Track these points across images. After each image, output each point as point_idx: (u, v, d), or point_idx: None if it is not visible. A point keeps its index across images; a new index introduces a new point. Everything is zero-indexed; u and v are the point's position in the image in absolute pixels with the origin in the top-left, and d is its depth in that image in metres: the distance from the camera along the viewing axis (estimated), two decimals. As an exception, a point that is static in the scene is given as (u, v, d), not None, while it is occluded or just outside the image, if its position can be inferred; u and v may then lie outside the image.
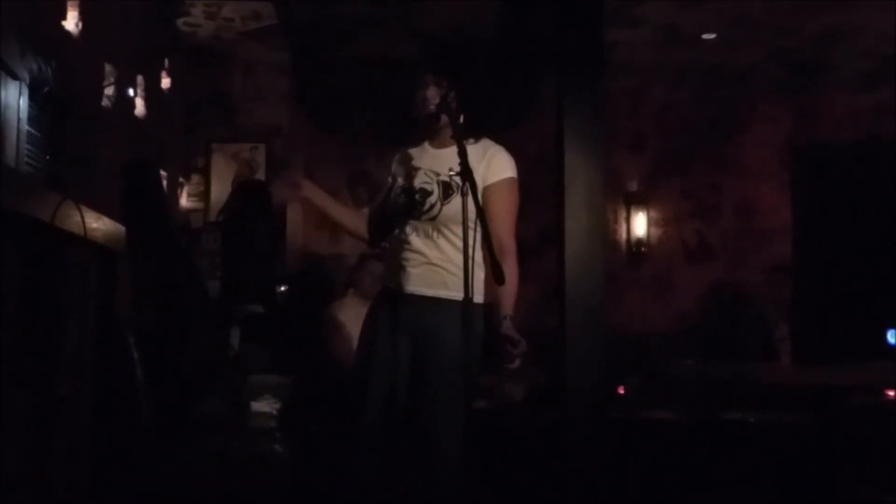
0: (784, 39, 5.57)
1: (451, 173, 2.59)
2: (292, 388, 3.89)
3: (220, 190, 5.68)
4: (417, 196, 2.71)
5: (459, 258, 2.47)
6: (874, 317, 4.85)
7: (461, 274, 2.40)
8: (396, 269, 2.74)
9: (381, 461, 2.68)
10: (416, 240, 2.71)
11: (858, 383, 3.89)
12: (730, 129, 6.52)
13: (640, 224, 6.43)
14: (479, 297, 2.68)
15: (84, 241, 2.58)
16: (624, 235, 6.47)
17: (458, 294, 2.52)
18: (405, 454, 2.70)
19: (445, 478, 2.61)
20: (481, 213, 2.37)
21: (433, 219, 2.68)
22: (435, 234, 2.69)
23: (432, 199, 2.69)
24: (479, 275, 2.67)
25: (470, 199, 2.38)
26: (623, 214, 6.46)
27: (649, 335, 6.07)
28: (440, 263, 2.68)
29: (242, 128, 5.86)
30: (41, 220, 2.30)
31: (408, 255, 2.71)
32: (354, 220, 2.94)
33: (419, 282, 2.69)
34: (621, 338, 5.29)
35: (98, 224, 2.80)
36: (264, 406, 3.62)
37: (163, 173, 4.83)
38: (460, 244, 2.45)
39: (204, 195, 5.77)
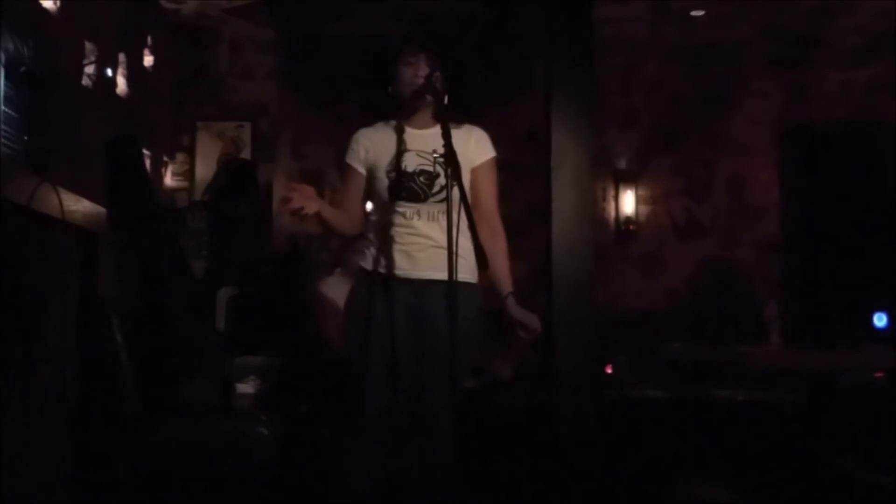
0: (776, 15, 5.52)
1: (436, 156, 2.57)
2: (278, 369, 3.88)
3: (205, 169, 5.62)
4: (422, 179, 2.66)
5: (464, 239, 2.45)
6: (862, 299, 4.85)
7: (468, 256, 2.43)
8: (399, 253, 2.68)
9: (387, 445, 2.66)
10: (419, 223, 2.67)
11: (848, 366, 3.90)
12: (721, 105, 6.47)
13: (628, 201, 6.40)
14: (475, 278, 2.70)
15: (63, 224, 2.55)
16: (612, 213, 6.44)
17: (465, 276, 2.60)
18: (404, 435, 2.68)
19: (445, 460, 2.61)
20: (464, 196, 2.37)
21: (442, 201, 2.58)
22: (440, 217, 2.62)
23: (441, 180, 2.63)
24: None
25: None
26: (612, 192, 6.43)
27: (638, 313, 6.06)
28: (447, 246, 2.63)
29: (228, 106, 5.78)
30: (18, 203, 2.26)
31: (413, 238, 2.67)
32: (348, 224, 2.88)
33: (427, 266, 2.65)
34: (609, 316, 5.28)
35: (78, 206, 2.75)
36: (249, 387, 3.60)
37: (147, 152, 4.77)
38: (464, 225, 2.42)
39: (189, 174, 5.70)
